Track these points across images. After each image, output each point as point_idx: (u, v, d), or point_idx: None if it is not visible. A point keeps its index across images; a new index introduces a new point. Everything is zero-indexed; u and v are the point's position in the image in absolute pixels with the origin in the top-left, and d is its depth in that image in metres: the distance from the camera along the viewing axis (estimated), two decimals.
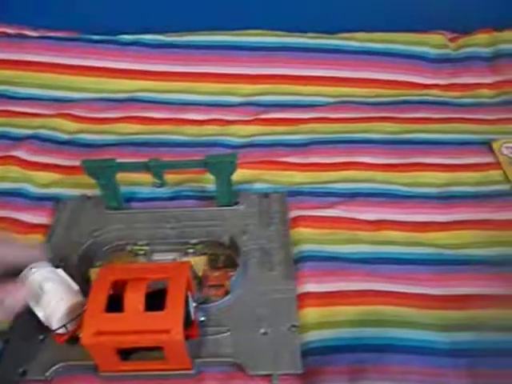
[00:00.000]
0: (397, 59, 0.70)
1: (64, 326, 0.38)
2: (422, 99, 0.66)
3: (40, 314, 0.39)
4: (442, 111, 0.64)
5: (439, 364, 0.39)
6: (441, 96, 0.67)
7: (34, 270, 0.39)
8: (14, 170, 0.56)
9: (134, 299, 0.37)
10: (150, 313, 0.37)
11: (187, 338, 0.38)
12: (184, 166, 0.49)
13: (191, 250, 0.48)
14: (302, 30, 0.71)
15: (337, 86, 0.68)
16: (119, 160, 0.47)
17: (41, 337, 0.41)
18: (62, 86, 0.67)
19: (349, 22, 0.71)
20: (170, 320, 0.36)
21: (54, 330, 0.39)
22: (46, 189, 0.55)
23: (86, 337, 0.36)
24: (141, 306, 0.37)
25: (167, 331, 0.36)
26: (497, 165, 0.57)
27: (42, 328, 0.40)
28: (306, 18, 0.71)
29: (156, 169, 0.47)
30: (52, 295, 0.39)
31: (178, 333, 0.36)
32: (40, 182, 0.56)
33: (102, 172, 0.48)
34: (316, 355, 0.40)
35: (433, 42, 0.72)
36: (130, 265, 0.46)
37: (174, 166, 0.49)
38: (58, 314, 0.38)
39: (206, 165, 0.47)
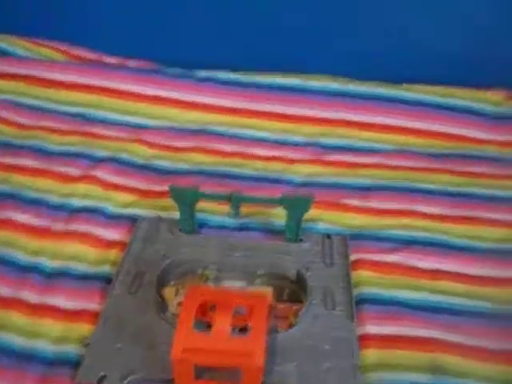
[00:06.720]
0: (455, 113, 0.74)
1: None
2: (479, 154, 0.69)
3: None
4: (499, 167, 0.67)
5: None
6: (497, 152, 0.70)
7: None
8: (96, 189, 0.60)
9: (222, 321, 0.40)
10: (235, 335, 0.40)
11: None
12: (262, 201, 0.54)
13: (258, 280, 0.51)
14: (364, 78, 0.75)
15: (394, 134, 0.71)
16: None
17: (118, 345, 0.44)
18: (137, 112, 0.72)
19: (409, 71, 0.76)
20: (253, 344, 0.39)
21: None
22: (124, 208, 0.59)
23: (176, 352, 0.38)
24: (228, 328, 0.40)
25: (250, 354, 0.39)
26: None
27: (119, 336, 0.43)
28: (368, 65, 0.76)
29: (236, 201, 0.51)
30: None
31: (260, 357, 0.39)
32: (119, 201, 0.60)
33: (186, 198, 0.52)
34: None
35: (491, 99, 0.75)
36: (215, 288, 0.49)
37: (252, 201, 0.53)
38: None
39: (283, 202, 0.51)
